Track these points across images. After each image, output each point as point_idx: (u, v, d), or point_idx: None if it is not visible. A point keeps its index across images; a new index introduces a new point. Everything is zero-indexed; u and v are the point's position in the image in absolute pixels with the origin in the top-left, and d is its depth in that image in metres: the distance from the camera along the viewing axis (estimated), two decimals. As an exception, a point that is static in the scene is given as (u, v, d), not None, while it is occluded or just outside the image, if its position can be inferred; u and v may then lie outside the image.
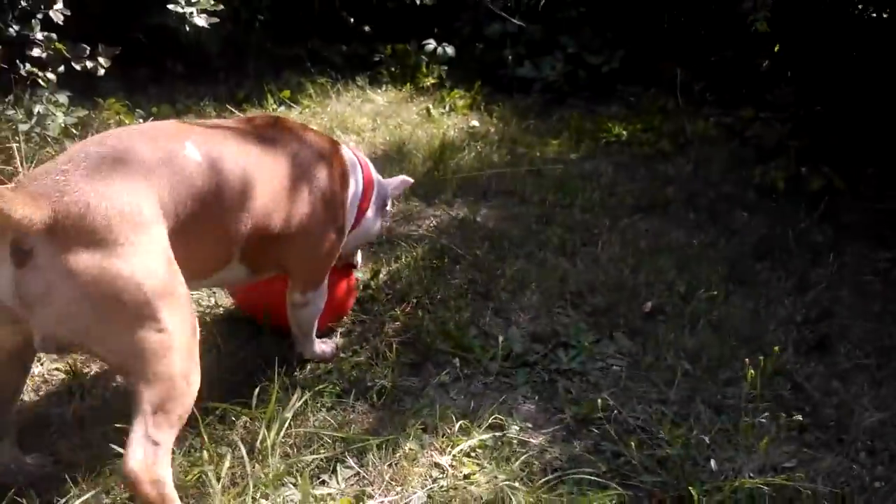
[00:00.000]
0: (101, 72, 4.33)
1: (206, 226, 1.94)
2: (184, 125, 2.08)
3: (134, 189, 1.72)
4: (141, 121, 4.73)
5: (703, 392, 2.44)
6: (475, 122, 5.26)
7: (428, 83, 6.13)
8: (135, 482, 1.60)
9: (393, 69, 6.34)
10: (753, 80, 5.60)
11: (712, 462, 2.10)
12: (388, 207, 2.79)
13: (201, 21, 4.42)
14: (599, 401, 2.31)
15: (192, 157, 1.91)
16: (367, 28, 6.86)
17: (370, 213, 2.61)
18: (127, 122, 4.60)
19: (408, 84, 6.10)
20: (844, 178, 3.99)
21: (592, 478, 2.04)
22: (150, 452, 1.62)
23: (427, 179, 4.15)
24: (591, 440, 2.24)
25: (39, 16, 4.28)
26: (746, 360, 2.43)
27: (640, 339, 2.76)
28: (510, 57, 6.03)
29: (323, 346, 2.58)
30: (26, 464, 2.01)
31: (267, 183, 2.09)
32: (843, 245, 3.46)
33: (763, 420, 2.28)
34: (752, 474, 2.03)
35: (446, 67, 6.29)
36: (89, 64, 4.29)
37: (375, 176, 2.66)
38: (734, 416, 2.33)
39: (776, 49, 5.67)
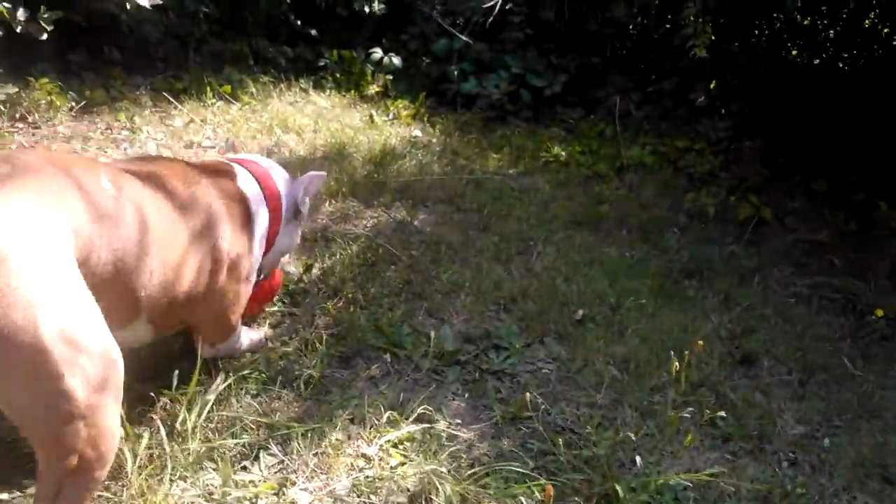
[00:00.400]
0: (45, 36, 4.14)
1: (117, 270, 1.67)
2: (92, 160, 1.87)
3: (50, 215, 1.48)
4: (73, 104, 4.57)
5: (630, 397, 2.47)
6: (418, 133, 5.27)
7: (372, 91, 6.12)
8: None
9: (337, 75, 6.30)
10: (689, 113, 5.79)
11: (638, 460, 2.12)
12: (305, 207, 2.52)
13: (144, 1, 4.29)
14: (529, 396, 2.31)
15: (108, 188, 1.69)
16: (313, 32, 6.82)
17: (281, 229, 2.40)
18: (58, 103, 4.45)
19: (352, 91, 6.07)
20: (771, 209, 4.14)
21: (520, 471, 2.03)
22: None
23: (366, 181, 4.12)
24: (518, 438, 2.24)
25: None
26: (675, 364, 2.46)
27: (569, 344, 2.79)
28: (456, 72, 6.07)
29: (251, 335, 2.49)
30: None
31: (172, 233, 1.88)
32: (767, 269, 3.58)
33: (687, 416, 2.32)
34: (678, 474, 2.06)
35: (391, 77, 6.30)
36: (29, 28, 4.10)
37: (283, 187, 2.40)
38: (660, 420, 2.36)
39: (712, 86, 5.89)
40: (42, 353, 1.34)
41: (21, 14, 4.28)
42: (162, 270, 1.82)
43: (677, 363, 2.43)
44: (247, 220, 2.16)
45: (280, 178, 2.42)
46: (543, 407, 2.35)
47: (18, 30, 4.28)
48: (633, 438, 2.22)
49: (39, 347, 1.33)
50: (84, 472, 1.47)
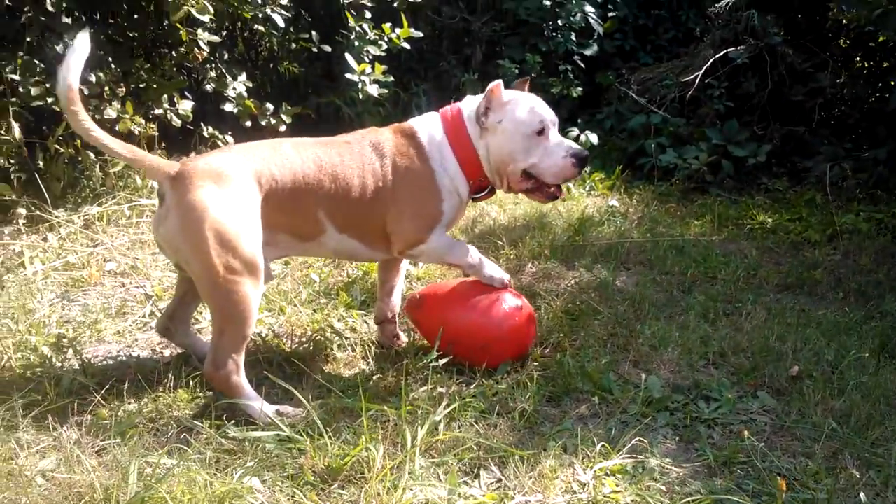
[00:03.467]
0: (283, 128, 4.79)
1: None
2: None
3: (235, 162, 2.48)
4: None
5: (850, 449, 2.36)
6: (615, 203, 5.39)
7: (569, 167, 6.34)
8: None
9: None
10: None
11: (862, 497, 2.04)
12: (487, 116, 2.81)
13: (373, 90, 4.86)
14: (745, 440, 2.29)
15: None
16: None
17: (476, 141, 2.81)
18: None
19: (549, 167, 6.34)
20: None
21: (737, 500, 2.03)
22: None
23: (566, 245, 4.28)
24: (734, 479, 2.21)
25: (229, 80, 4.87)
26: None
27: (785, 398, 2.72)
28: (653, 146, 6.16)
29: (493, 273, 2.81)
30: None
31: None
32: None
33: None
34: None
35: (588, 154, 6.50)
36: (273, 120, 4.77)
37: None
38: (885, 473, 2.24)
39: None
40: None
41: (268, 107, 4.99)
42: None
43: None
44: (417, 148, 2.72)
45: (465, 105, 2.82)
46: (759, 454, 2.31)
47: (264, 123, 4.99)
48: (855, 487, 2.13)
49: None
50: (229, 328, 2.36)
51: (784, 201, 5.52)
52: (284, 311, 3.24)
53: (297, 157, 2.59)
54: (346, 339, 3.01)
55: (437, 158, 2.71)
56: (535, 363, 2.89)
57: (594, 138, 6.63)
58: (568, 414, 2.55)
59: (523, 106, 2.71)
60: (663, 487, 2.13)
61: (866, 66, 6.77)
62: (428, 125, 2.77)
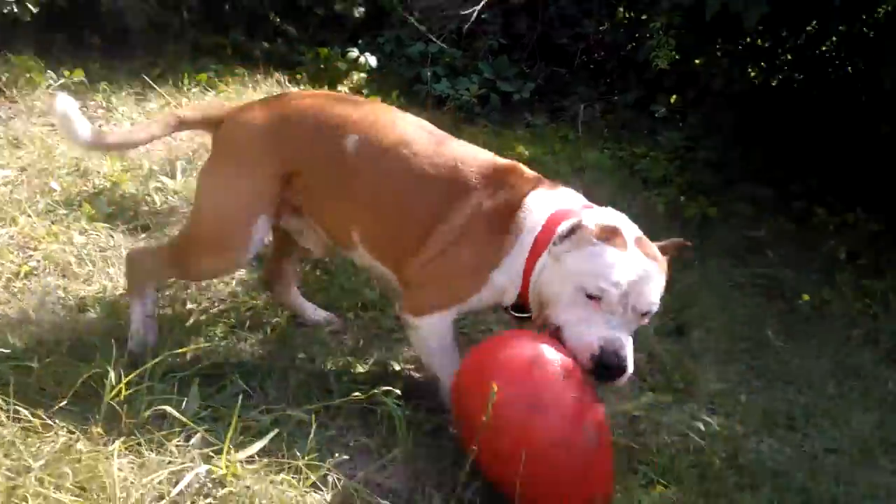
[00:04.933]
0: (28, 18, 4.28)
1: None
2: None
3: None
4: (51, 82, 4.67)
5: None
6: (388, 127, 5.45)
7: (346, 88, 6.31)
8: None
9: (312, 71, 6.48)
10: (650, 123, 6.12)
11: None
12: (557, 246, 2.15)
13: (131, -15, 4.44)
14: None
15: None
16: (291, 29, 6.98)
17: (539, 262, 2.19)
18: (36, 80, 4.56)
19: (326, 87, 6.25)
20: (718, 210, 4.42)
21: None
22: None
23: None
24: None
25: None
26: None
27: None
28: (429, 74, 6.29)
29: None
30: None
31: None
32: (709, 260, 3.82)
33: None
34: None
35: (365, 76, 6.50)
36: (17, 10, 4.24)
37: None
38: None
39: (673, 99, 6.21)
40: None
41: (7, -6, 4.41)
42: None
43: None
44: (504, 227, 2.17)
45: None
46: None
47: (6, 10, 4.41)
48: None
49: None
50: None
51: (542, 136, 5.93)
52: (17, 222, 2.95)
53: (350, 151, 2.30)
54: (87, 253, 2.82)
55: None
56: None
57: (373, 61, 6.61)
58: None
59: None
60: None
61: (628, 17, 7.33)
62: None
